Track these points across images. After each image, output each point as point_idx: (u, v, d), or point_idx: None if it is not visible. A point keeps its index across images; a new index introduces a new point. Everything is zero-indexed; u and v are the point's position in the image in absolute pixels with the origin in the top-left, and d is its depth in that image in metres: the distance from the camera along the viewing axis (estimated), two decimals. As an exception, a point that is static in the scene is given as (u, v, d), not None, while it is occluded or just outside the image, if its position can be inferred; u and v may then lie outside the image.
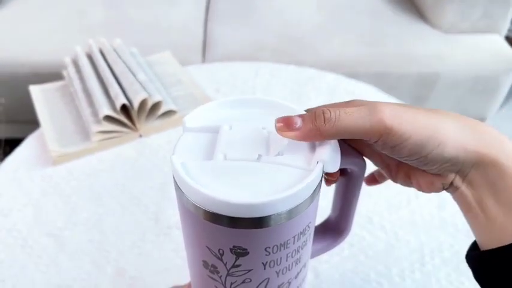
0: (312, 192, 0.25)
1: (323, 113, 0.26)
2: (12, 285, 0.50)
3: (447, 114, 0.27)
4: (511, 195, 0.26)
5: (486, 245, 0.27)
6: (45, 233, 0.55)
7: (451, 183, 0.28)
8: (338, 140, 0.29)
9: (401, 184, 0.32)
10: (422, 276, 0.51)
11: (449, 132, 0.26)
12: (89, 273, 0.51)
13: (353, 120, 0.25)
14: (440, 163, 0.27)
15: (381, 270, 0.51)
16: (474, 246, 0.29)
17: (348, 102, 0.29)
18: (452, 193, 0.29)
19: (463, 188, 0.28)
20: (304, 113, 0.28)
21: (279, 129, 0.26)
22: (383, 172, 0.34)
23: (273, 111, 0.29)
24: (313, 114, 0.26)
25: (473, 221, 0.28)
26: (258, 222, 0.23)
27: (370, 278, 0.51)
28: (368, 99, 0.28)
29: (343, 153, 0.28)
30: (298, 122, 0.26)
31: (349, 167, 0.31)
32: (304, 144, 0.27)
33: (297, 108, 0.29)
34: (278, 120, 0.26)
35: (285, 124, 0.26)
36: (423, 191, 0.31)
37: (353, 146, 0.31)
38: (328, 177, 0.31)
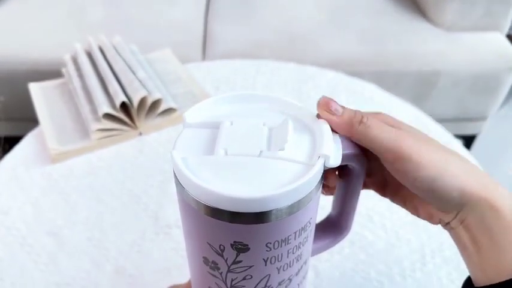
0: (313, 187, 0.25)
1: (361, 116, 0.28)
2: (11, 284, 0.50)
3: (456, 154, 0.29)
4: (505, 237, 0.27)
5: (480, 281, 0.28)
6: (44, 231, 0.55)
7: (448, 223, 0.30)
8: (340, 136, 0.28)
9: (391, 200, 0.34)
10: (423, 275, 0.50)
11: (459, 173, 0.27)
12: (88, 271, 0.51)
13: (380, 135, 0.27)
14: (445, 201, 0.28)
15: (381, 269, 0.51)
16: (468, 282, 0.30)
17: (376, 113, 0.30)
18: (448, 230, 0.30)
19: (459, 229, 0.29)
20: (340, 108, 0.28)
21: (320, 106, 0.28)
22: (372, 187, 0.35)
23: (273, 107, 0.29)
24: (352, 112, 0.28)
25: (467, 258, 0.29)
26: (259, 217, 0.23)
27: (371, 276, 0.50)
28: (391, 114, 0.29)
29: (345, 149, 0.28)
30: (339, 110, 0.28)
31: (350, 163, 0.31)
32: (306, 140, 0.27)
33: (297, 103, 0.29)
34: (323, 98, 0.28)
35: (327, 104, 0.28)
36: (418, 217, 0.33)
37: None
38: (328, 183, 0.31)
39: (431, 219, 0.31)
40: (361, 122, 0.27)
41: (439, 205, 0.29)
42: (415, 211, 0.33)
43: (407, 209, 0.33)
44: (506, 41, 1.18)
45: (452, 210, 0.28)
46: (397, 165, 0.27)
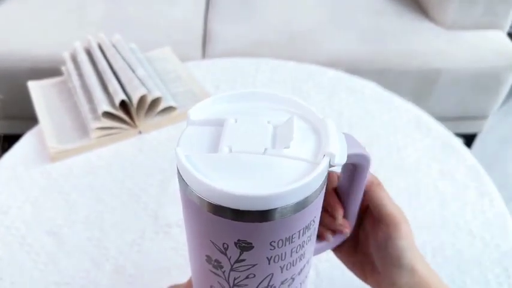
0: (318, 185, 0.24)
1: (379, 181, 0.35)
2: (10, 283, 0.50)
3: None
4: None
5: None
6: (43, 230, 0.55)
7: None
8: (345, 135, 0.28)
9: (340, 259, 0.40)
10: (426, 273, 0.50)
11: (417, 254, 0.34)
12: (88, 271, 0.51)
13: (387, 200, 0.34)
14: (398, 270, 0.34)
15: (383, 267, 0.51)
16: None
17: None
18: None
19: None
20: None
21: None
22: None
23: (277, 105, 0.29)
24: (374, 176, 0.35)
25: None
26: (264, 216, 0.23)
27: (373, 275, 0.50)
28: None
29: (349, 147, 0.27)
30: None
31: (354, 161, 0.31)
32: (311, 138, 0.26)
33: (302, 102, 0.28)
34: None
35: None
36: (364, 282, 0.38)
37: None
38: (341, 225, 0.35)
39: (377, 287, 0.37)
40: (378, 184, 0.34)
41: (392, 273, 0.34)
42: (363, 276, 0.38)
43: (354, 272, 0.39)
44: (507, 40, 1.17)
45: (400, 281, 0.34)
46: (387, 228, 0.33)
